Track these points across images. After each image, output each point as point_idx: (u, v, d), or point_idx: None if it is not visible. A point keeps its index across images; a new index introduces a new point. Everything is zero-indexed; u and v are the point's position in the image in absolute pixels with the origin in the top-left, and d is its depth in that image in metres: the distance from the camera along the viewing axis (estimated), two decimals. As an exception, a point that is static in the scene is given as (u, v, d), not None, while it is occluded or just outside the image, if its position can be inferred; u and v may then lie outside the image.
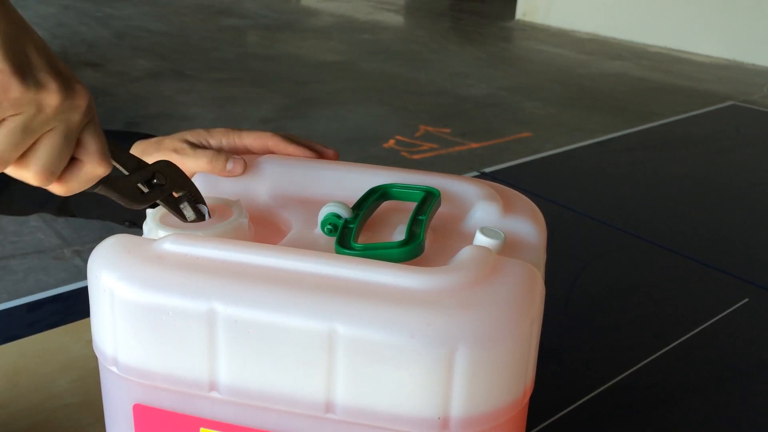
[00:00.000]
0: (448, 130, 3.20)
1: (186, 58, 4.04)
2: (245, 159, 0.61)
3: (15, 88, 0.38)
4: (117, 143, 0.48)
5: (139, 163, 0.50)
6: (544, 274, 0.52)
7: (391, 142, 3.01)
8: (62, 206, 0.63)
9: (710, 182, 1.50)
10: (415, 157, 2.89)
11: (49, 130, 0.41)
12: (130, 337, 0.46)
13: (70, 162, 0.43)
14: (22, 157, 0.41)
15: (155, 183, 0.51)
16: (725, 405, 0.80)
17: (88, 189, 0.46)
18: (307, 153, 0.65)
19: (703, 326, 0.94)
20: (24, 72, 0.39)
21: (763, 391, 0.83)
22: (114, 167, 0.47)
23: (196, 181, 0.59)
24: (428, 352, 0.41)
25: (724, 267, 1.10)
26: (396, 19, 5.87)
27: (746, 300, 1.01)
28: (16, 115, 0.39)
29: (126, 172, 0.49)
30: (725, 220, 1.30)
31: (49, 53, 0.41)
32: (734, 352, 0.90)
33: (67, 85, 0.41)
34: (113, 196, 0.49)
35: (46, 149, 0.41)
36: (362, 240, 0.52)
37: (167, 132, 0.66)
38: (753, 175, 1.54)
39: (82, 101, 0.42)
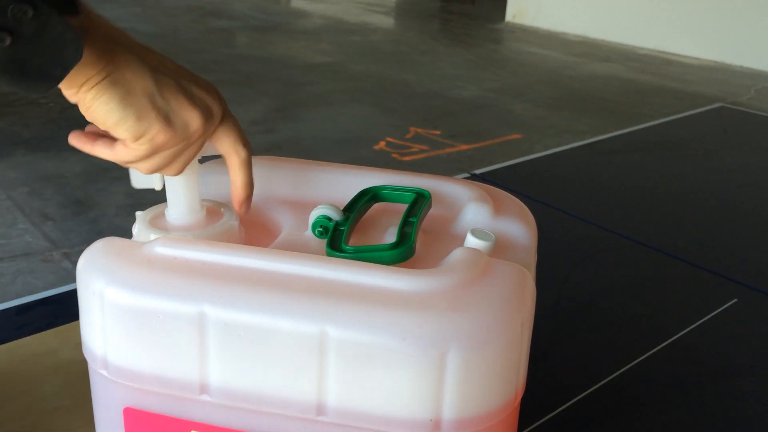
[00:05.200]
0: (438, 132, 3.20)
1: (175, 59, 4.00)
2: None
3: (164, 135, 0.47)
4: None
5: None
6: (534, 276, 0.52)
7: (382, 143, 3.00)
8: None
9: (698, 183, 1.51)
10: (406, 158, 2.89)
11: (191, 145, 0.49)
12: (120, 341, 0.45)
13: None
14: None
15: None
16: (714, 404, 0.80)
17: None
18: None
19: (692, 326, 0.94)
20: (168, 120, 0.47)
21: (751, 390, 0.83)
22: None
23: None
24: (420, 354, 0.41)
25: (712, 268, 1.11)
26: (386, 21, 5.87)
27: (735, 300, 1.01)
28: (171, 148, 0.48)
29: None
30: (714, 221, 1.31)
31: (179, 83, 0.48)
32: (723, 351, 0.90)
33: (205, 111, 0.48)
34: None
35: (184, 159, 0.50)
36: (353, 242, 0.52)
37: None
38: (740, 176, 1.55)
39: (217, 112, 0.50)
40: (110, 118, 0.46)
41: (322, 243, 0.51)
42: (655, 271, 1.11)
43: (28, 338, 0.82)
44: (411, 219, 0.52)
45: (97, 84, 0.45)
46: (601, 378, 0.83)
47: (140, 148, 0.47)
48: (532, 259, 0.54)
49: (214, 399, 0.45)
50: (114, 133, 0.47)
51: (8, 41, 0.40)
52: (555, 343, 0.89)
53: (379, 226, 0.55)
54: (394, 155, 2.84)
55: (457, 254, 0.47)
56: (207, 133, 0.49)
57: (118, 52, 0.46)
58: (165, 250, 0.47)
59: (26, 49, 0.41)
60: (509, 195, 0.61)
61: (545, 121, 3.37)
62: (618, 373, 0.84)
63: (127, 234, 0.54)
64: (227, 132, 0.51)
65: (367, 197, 0.56)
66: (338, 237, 0.50)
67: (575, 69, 4.36)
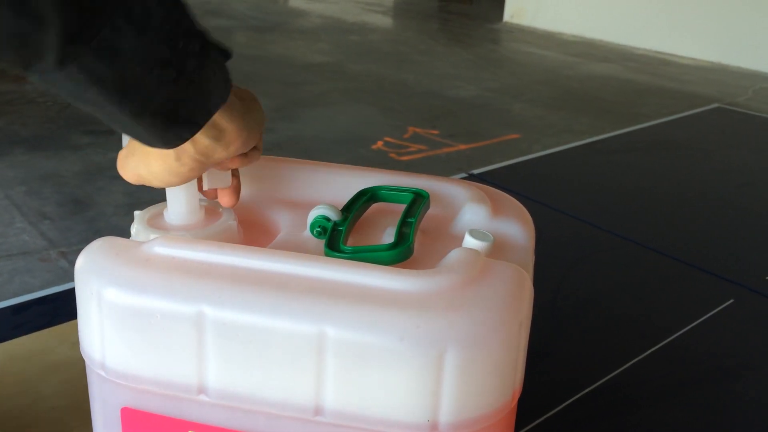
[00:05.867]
0: (436, 132, 3.20)
1: (173, 58, 3.99)
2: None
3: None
4: None
5: None
6: (532, 276, 0.52)
7: (380, 143, 3.00)
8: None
9: (696, 183, 1.51)
10: (404, 158, 2.89)
11: None
12: (118, 340, 0.45)
13: None
14: None
15: None
16: (711, 404, 0.80)
17: None
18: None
19: (689, 326, 0.94)
20: None
21: (747, 389, 0.83)
22: None
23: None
24: (417, 355, 0.41)
25: (710, 268, 1.11)
26: (384, 21, 5.87)
27: (731, 301, 1.02)
28: None
29: None
30: (711, 222, 1.31)
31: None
32: (720, 352, 0.90)
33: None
34: None
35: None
36: (352, 242, 0.52)
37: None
38: (738, 176, 1.55)
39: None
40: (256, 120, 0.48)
41: (321, 243, 0.51)
42: (652, 271, 1.11)
43: (24, 337, 0.82)
44: (409, 219, 0.52)
45: (245, 109, 0.46)
46: (598, 378, 0.83)
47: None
48: (530, 259, 0.54)
49: (212, 399, 0.45)
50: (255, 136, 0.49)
51: (173, 76, 0.38)
52: (552, 344, 0.89)
53: (378, 227, 0.55)
54: (392, 155, 2.84)
55: (455, 255, 0.47)
56: None
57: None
58: (163, 249, 0.47)
59: (183, 89, 0.39)
60: (507, 195, 0.61)
61: (543, 121, 3.37)
62: (615, 373, 0.84)
63: (126, 233, 0.54)
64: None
65: (366, 197, 0.56)
66: (336, 237, 0.50)
67: (573, 69, 4.36)
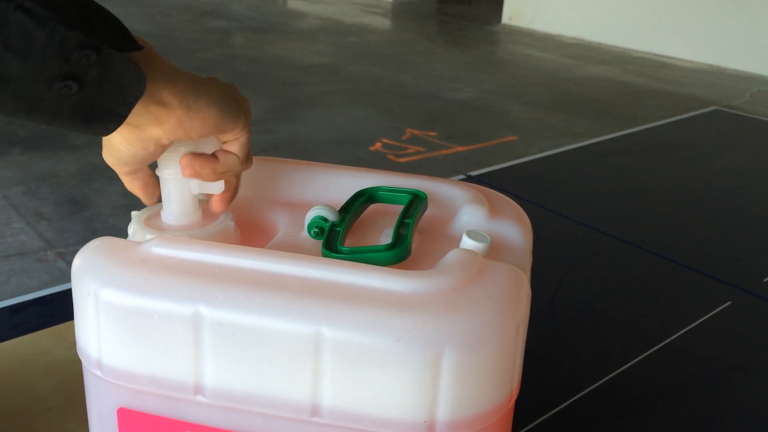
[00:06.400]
0: (434, 134, 3.20)
1: (171, 59, 4.00)
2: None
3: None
4: None
5: None
6: (529, 277, 0.52)
7: (378, 145, 3.00)
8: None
9: (694, 186, 1.51)
10: (402, 160, 2.89)
11: None
12: (115, 341, 0.45)
13: None
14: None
15: None
16: (709, 407, 0.80)
17: None
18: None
19: (686, 329, 0.95)
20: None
21: (745, 393, 0.83)
22: None
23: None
24: (414, 356, 0.41)
25: (707, 270, 1.11)
26: (382, 22, 5.87)
27: (729, 303, 1.02)
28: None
29: None
30: (708, 224, 1.32)
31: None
32: (717, 354, 0.90)
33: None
34: None
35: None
36: (349, 243, 0.52)
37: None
38: (735, 179, 1.55)
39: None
40: (229, 107, 0.48)
41: (318, 244, 0.51)
42: (650, 273, 1.11)
43: (21, 338, 0.82)
44: (407, 220, 0.52)
45: (190, 89, 0.46)
46: (595, 380, 0.83)
47: (246, 129, 0.50)
48: (528, 260, 0.54)
49: (209, 400, 0.45)
50: (237, 122, 0.49)
51: (75, 89, 0.39)
52: (549, 345, 0.89)
53: (375, 227, 0.55)
54: (390, 156, 2.84)
55: (452, 255, 0.47)
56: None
57: (177, 74, 0.47)
58: (160, 250, 0.46)
59: (92, 94, 0.40)
60: (505, 197, 0.61)
61: (541, 123, 3.37)
62: (612, 375, 0.84)
63: (122, 234, 0.53)
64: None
65: (363, 198, 0.56)
66: (334, 238, 0.50)
67: (571, 71, 4.37)
